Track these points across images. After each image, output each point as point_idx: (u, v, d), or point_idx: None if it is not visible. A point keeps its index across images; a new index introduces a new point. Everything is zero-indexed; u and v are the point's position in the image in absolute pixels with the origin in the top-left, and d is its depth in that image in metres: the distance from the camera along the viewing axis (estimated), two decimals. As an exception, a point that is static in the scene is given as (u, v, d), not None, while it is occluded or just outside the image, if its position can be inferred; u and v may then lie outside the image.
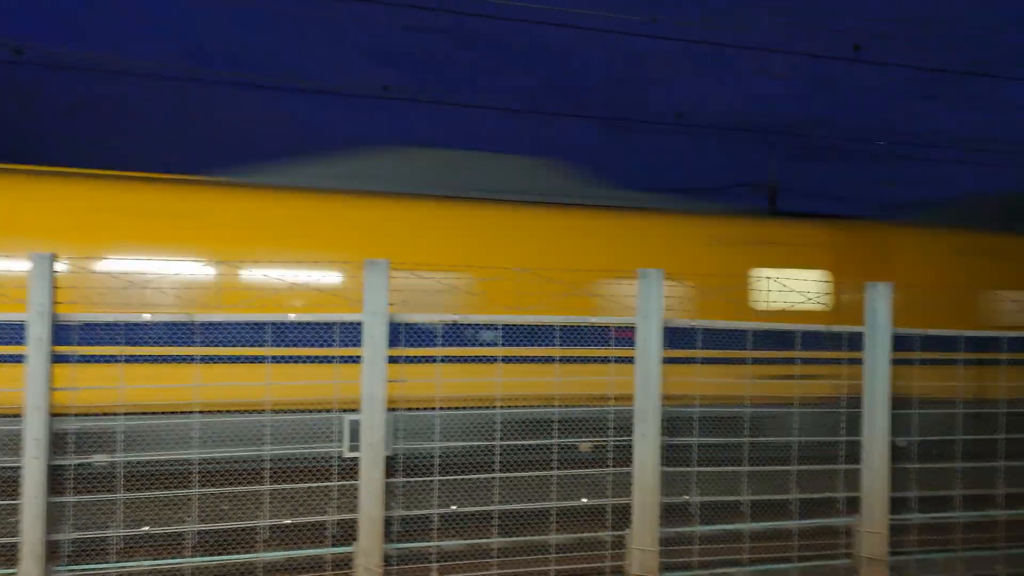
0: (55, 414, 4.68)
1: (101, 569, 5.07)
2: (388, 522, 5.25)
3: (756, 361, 6.41)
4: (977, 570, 6.78)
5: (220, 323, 6.17)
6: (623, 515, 5.73)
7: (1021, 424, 6.82)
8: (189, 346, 7.61)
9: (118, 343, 5.99)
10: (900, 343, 6.38)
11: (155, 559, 5.64)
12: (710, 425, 6.90)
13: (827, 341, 6.58)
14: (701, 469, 5.98)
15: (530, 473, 5.89)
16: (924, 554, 6.59)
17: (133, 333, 8.12)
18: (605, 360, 6.00)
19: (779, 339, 6.66)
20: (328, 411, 6.47)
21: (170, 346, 8.17)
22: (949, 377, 6.74)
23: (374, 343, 5.11)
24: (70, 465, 4.96)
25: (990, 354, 6.79)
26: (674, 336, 6.15)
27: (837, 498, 6.40)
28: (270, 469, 5.47)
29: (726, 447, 6.42)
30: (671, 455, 5.97)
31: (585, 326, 6.04)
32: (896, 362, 6.28)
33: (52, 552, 4.80)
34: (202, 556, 5.76)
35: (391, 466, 5.22)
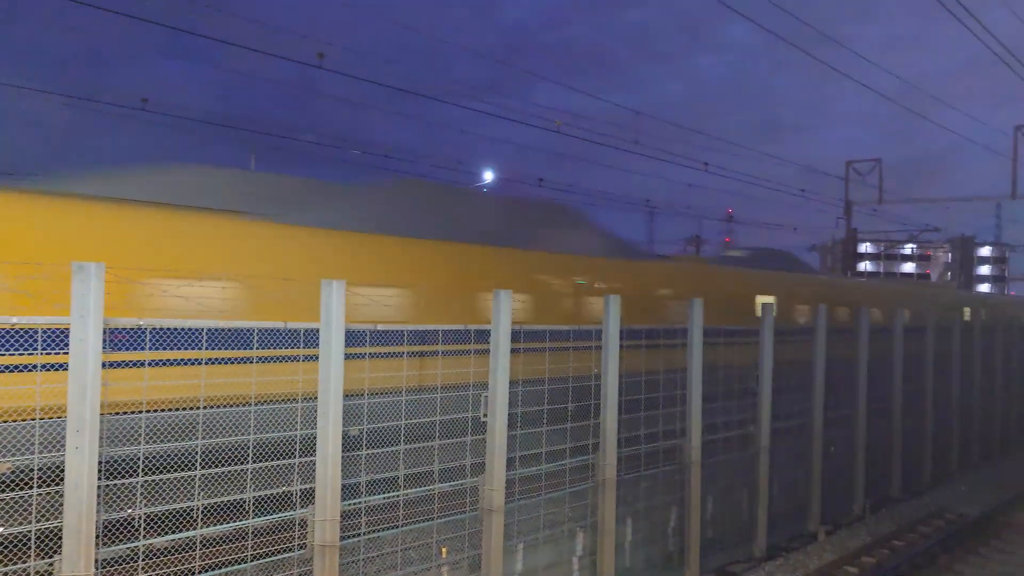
0: None
1: None
2: None
3: (213, 361, 6.21)
4: (420, 540, 7.54)
5: None
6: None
7: (456, 405, 7.76)
8: None
9: None
10: (354, 339, 6.75)
11: None
12: (162, 431, 6.49)
13: (286, 339, 6.69)
14: (147, 479, 5.56)
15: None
16: (374, 533, 7.09)
17: None
18: (32, 368, 5.23)
19: (241, 338, 6.55)
20: None
21: None
22: (397, 368, 7.36)
23: None
24: None
25: (429, 347, 7.60)
26: (126, 337, 5.64)
27: (292, 491, 6.50)
28: None
29: (186, 453, 6.09)
30: (118, 468, 5.45)
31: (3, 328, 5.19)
32: (352, 356, 6.62)
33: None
34: None
35: None
